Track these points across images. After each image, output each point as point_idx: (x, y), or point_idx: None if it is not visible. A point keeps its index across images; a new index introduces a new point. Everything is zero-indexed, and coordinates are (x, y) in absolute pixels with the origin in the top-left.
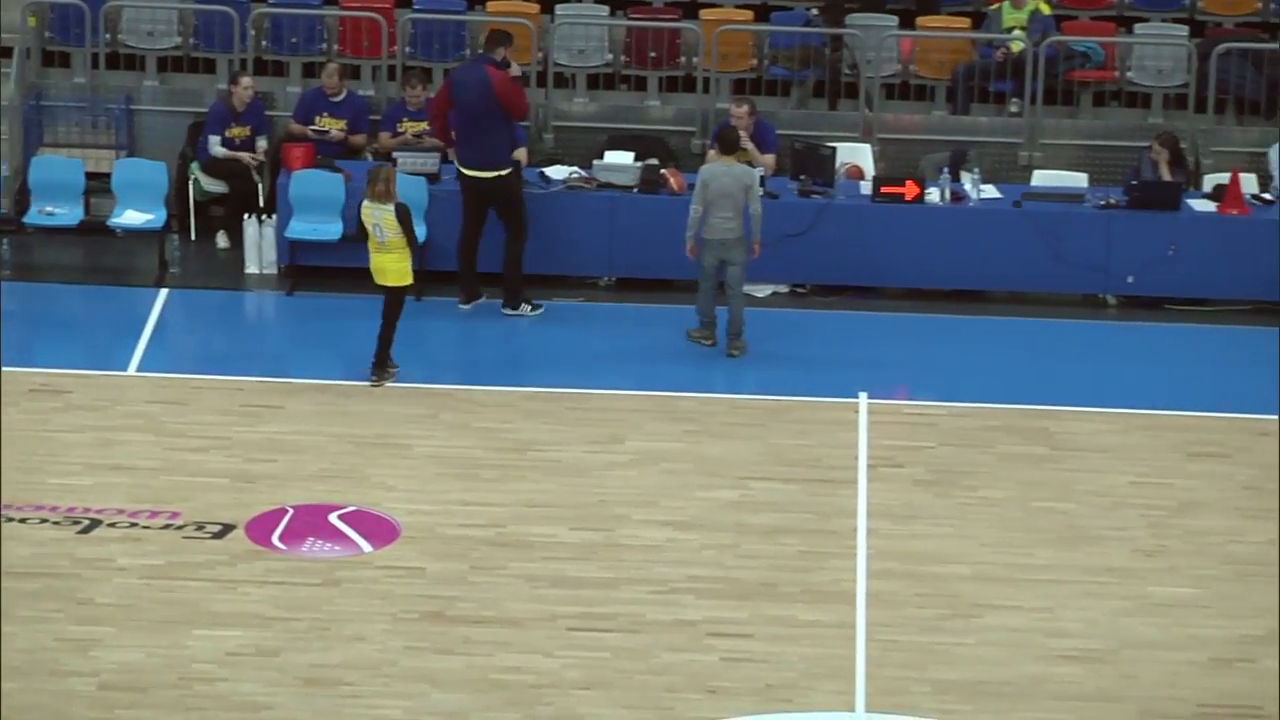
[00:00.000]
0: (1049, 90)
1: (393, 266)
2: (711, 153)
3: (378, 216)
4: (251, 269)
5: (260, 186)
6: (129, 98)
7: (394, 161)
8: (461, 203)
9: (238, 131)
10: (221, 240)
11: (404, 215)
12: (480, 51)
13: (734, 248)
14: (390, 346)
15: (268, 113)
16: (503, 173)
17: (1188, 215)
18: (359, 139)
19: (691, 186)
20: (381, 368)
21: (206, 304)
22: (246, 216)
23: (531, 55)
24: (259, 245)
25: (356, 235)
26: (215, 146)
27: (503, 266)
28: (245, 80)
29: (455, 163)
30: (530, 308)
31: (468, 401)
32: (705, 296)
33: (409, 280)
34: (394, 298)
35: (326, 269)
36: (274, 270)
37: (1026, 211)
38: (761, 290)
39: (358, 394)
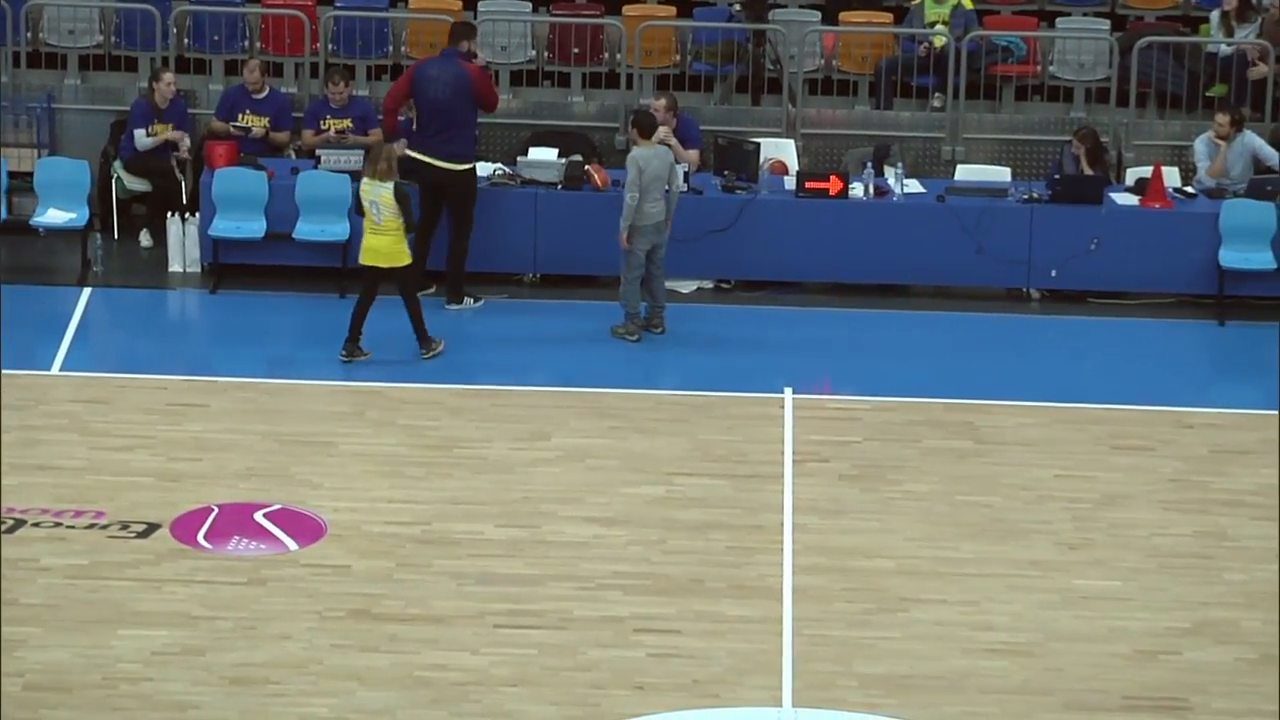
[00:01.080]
0: (971, 85)
1: (385, 249)
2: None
3: (376, 194)
4: (175, 267)
5: (183, 184)
6: (50, 96)
7: (316, 159)
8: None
9: (160, 129)
10: (145, 239)
11: (402, 195)
12: (448, 46)
13: (663, 230)
14: (422, 321)
15: (190, 111)
16: (467, 166)
17: (1110, 209)
18: (281, 136)
19: (616, 183)
20: (426, 342)
21: (130, 303)
22: (170, 215)
23: None
24: (182, 243)
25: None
26: (142, 139)
27: (447, 263)
28: (167, 76)
29: (419, 156)
30: (472, 300)
31: (393, 399)
32: (635, 289)
33: (404, 260)
34: (400, 279)
35: (250, 267)
36: (197, 268)
37: (950, 206)
38: (686, 286)
39: (282, 392)
